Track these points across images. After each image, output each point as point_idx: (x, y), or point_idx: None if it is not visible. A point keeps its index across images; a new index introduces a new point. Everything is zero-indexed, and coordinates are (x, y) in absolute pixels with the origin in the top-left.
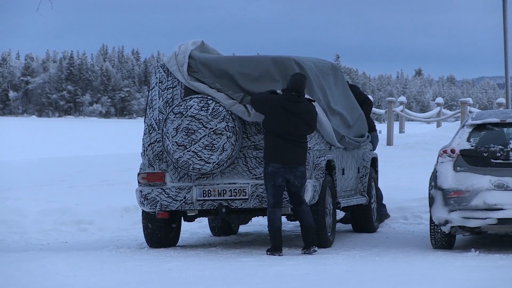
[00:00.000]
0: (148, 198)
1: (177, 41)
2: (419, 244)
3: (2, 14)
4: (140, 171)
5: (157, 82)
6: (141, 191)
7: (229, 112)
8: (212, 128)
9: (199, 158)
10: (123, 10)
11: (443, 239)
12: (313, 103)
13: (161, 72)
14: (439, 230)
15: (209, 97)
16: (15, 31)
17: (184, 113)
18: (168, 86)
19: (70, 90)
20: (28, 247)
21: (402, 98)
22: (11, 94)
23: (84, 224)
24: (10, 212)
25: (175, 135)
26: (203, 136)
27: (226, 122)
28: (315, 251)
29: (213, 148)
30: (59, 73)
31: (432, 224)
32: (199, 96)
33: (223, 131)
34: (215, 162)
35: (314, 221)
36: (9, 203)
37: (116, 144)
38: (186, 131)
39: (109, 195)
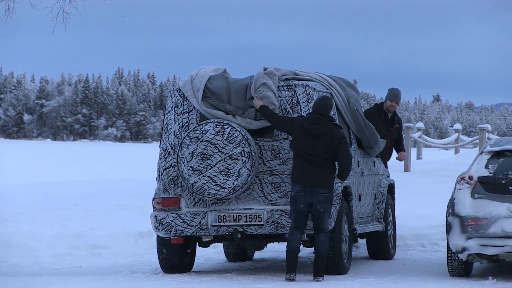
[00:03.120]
0: (163, 223)
1: (194, 66)
2: (436, 272)
3: (17, 36)
4: (155, 195)
5: (172, 107)
6: (156, 216)
7: (245, 137)
8: (228, 153)
9: (214, 183)
10: (139, 34)
11: (461, 267)
12: (340, 129)
13: (176, 96)
14: (457, 258)
15: (225, 122)
16: (30, 54)
17: (199, 137)
18: (184, 111)
19: (85, 113)
20: (41, 272)
21: (420, 124)
22: (26, 117)
23: (98, 248)
24: (24, 236)
25: (191, 159)
26: (218, 161)
27: (242, 147)
28: (319, 281)
29: (229, 173)
30: (74, 96)
31: (449, 252)
32: (215, 120)
33: (239, 156)
34: (230, 187)
35: (327, 252)
36: (23, 227)
37: (131, 169)
38: (202, 156)
39: (123, 219)
